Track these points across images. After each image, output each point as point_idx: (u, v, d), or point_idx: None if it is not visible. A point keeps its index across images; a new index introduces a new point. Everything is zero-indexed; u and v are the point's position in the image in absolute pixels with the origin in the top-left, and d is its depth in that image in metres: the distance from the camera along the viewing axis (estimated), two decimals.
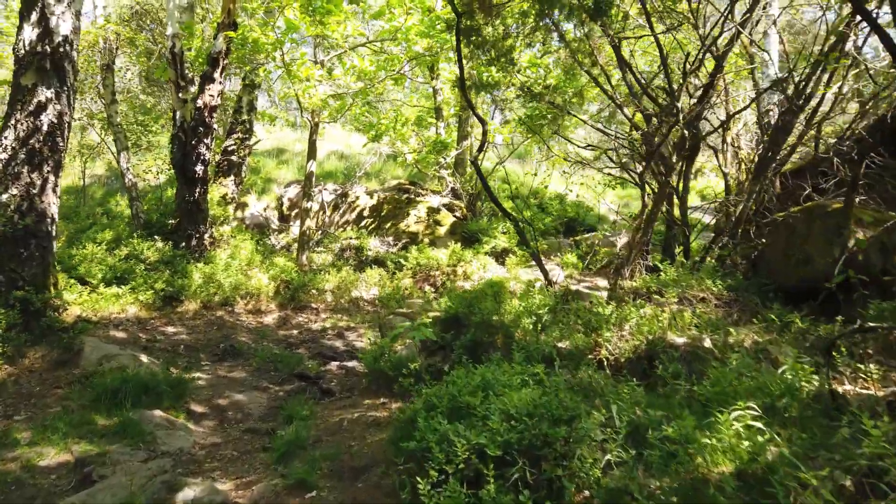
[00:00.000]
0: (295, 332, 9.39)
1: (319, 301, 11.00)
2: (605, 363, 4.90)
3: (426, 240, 13.88)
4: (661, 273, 6.88)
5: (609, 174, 10.55)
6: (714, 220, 10.23)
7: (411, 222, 14.27)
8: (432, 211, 14.49)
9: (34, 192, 7.46)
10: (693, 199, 21.49)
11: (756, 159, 7.62)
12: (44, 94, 7.49)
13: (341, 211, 14.91)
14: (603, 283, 12.54)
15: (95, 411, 5.73)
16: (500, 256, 13.38)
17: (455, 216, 14.57)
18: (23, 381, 6.64)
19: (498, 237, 13.60)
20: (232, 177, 12.14)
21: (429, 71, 16.16)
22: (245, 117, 12.61)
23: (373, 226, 14.83)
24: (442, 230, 14.10)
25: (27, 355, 6.99)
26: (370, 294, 12.03)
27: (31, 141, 7.43)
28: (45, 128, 7.51)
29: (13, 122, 7.41)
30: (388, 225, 14.57)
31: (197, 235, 10.69)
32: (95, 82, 11.50)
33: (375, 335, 9.13)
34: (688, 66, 7.03)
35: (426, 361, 5.87)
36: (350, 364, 7.89)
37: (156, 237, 10.74)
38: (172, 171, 10.85)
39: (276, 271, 11.06)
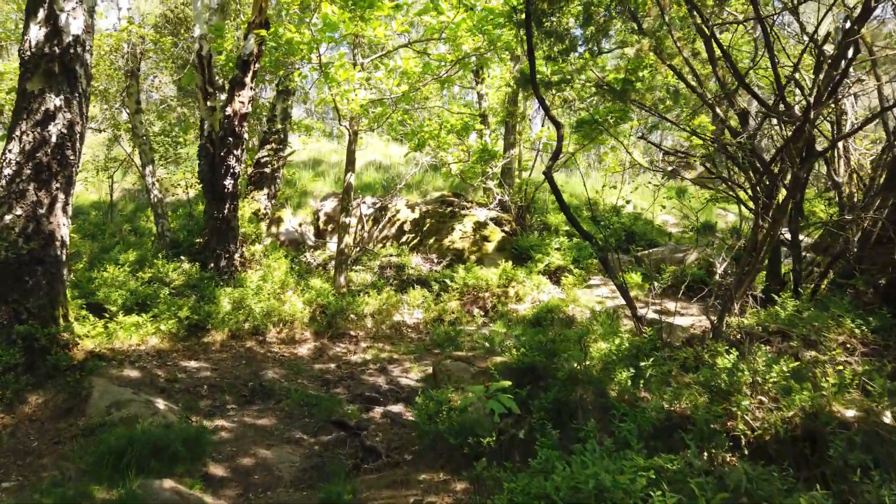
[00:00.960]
0: (332, 365, 8.34)
1: (359, 327, 9.95)
2: (743, 441, 3.67)
3: (472, 257, 12.76)
4: (779, 306, 5.61)
5: (707, 186, 9.14)
6: (817, 240, 8.88)
7: (456, 238, 13.18)
8: (479, 225, 13.37)
9: (41, 212, 6.59)
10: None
11: (886, 166, 6.29)
12: (52, 101, 6.63)
13: (381, 225, 13.91)
14: (672, 305, 11.23)
15: (95, 479, 4.73)
16: (553, 275, 12.17)
17: (504, 231, 13.42)
18: (21, 432, 5.71)
19: (552, 254, 12.39)
20: (265, 190, 11.24)
21: (473, 75, 15.11)
22: (279, 126, 11.73)
23: (414, 241, 13.78)
24: (490, 246, 12.97)
25: (28, 401, 6.07)
26: (413, 318, 10.95)
27: (38, 154, 6.57)
28: (53, 139, 6.64)
29: (18, 133, 6.56)
30: (431, 240, 13.51)
31: (226, 255, 9.78)
32: (120, 89, 10.78)
33: (424, 370, 8.04)
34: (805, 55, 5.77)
35: (497, 423, 4.71)
36: (396, 409, 6.79)
37: (182, 258, 9.87)
38: (202, 186, 10.00)
39: (311, 295, 10.07)
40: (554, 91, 7.55)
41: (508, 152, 14.44)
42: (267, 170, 11.33)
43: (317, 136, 25.96)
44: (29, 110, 6.58)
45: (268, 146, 11.46)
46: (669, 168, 8.69)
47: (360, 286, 12.09)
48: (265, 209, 11.25)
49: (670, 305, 11.29)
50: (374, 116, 10.19)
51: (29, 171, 6.53)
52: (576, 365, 4.89)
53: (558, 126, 6.90)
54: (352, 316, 10.15)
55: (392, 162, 21.29)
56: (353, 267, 12.80)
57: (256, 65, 9.14)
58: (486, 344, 8.76)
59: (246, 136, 9.42)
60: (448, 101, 27.85)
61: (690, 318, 9.52)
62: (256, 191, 11.21)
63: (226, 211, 9.51)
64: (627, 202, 15.17)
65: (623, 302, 10.88)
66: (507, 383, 3.52)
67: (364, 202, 14.62)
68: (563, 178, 19.67)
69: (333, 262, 13.34)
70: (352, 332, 9.71)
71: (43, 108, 6.60)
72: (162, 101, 14.78)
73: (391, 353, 9.00)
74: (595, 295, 11.24)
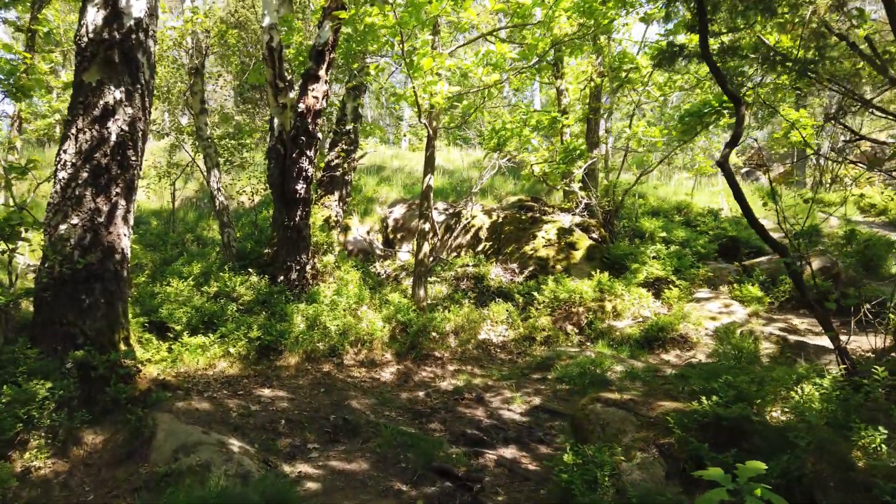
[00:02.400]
0: (421, 394, 7.27)
1: (442, 348, 8.87)
2: None
3: (558, 266, 11.54)
4: None
5: None
6: None
7: (539, 245, 11.98)
8: (563, 232, 12.14)
9: (100, 220, 5.75)
10: (850, 212, 18.04)
11: None
12: (112, 94, 5.80)
13: (454, 233, 12.85)
14: (801, 323, 9.75)
15: None
16: (651, 286, 10.83)
17: (591, 238, 12.15)
18: (74, 481, 4.83)
19: (649, 263, 11.06)
20: (336, 195, 10.33)
21: (553, 69, 13.92)
22: (349, 126, 10.82)
23: (491, 250, 12.65)
24: (577, 255, 11.72)
25: (84, 441, 5.20)
26: (499, 336, 9.82)
27: (97, 155, 5.75)
28: (113, 138, 5.80)
29: (74, 130, 5.75)
30: (510, 248, 12.35)
31: (297, 267, 8.87)
32: (183, 90, 10.06)
33: (527, 401, 6.86)
34: None
35: (673, 491, 3.50)
36: (509, 454, 5.66)
37: (250, 270, 9.00)
38: (269, 191, 9.09)
39: (389, 310, 9.05)
40: (736, 60, 6.26)
41: (592, 152, 13.18)
42: (337, 173, 10.42)
43: (374, 143, 25.19)
44: (86, 105, 5.76)
45: (337, 148, 10.56)
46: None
47: (435, 299, 11.05)
48: (336, 216, 10.33)
49: (796, 322, 9.82)
50: (463, 108, 9.12)
51: (86, 175, 5.71)
52: (791, 418, 3.64)
53: (738, 102, 5.65)
54: (434, 334, 9.07)
55: (455, 167, 20.26)
56: (427, 278, 11.76)
57: (332, 54, 8.21)
58: (594, 369, 7.56)
59: (319, 135, 8.50)
60: (509, 101, 26.71)
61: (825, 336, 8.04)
62: (327, 196, 10.31)
63: (297, 218, 8.60)
64: (721, 206, 13.72)
65: (741, 319, 9.50)
66: (762, 466, 2.31)
67: (435, 208, 13.59)
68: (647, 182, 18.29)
69: (405, 273, 12.36)
70: (436, 354, 8.63)
71: (101, 103, 5.77)
72: (221, 107, 14.14)
73: (484, 378, 7.88)
74: (706, 310, 9.87)
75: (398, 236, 13.45)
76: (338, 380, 7.36)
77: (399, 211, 13.92)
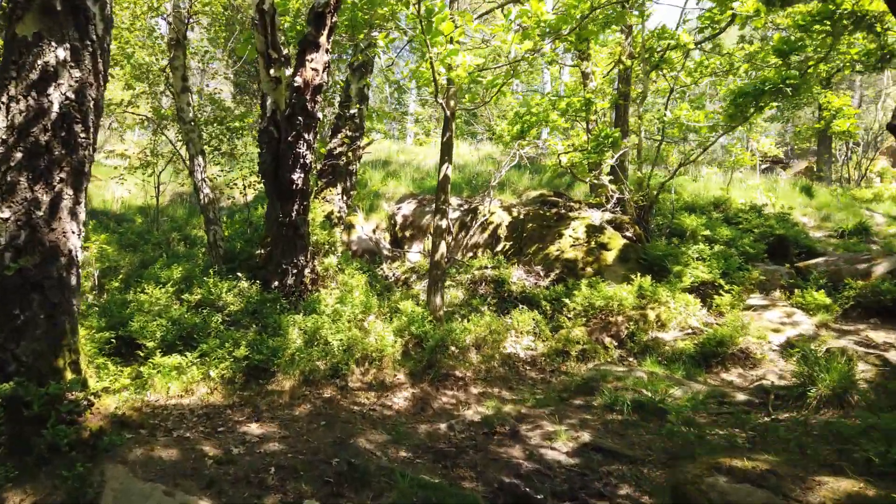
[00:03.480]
0: (442, 425, 5.98)
1: (464, 365, 7.59)
2: None
3: (588, 269, 10.26)
4: None
5: None
6: None
7: (565, 245, 10.70)
8: (593, 230, 10.85)
9: (38, 214, 4.49)
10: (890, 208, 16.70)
11: None
12: (53, 52, 4.53)
13: (470, 231, 11.56)
14: (878, 335, 8.46)
15: None
16: (696, 292, 9.54)
17: (625, 236, 10.85)
18: None
19: (693, 265, 9.76)
20: (338, 188, 9.03)
21: (577, 51, 12.62)
22: (354, 110, 9.54)
23: (511, 250, 11.37)
24: (609, 256, 10.43)
25: (8, 501, 3.93)
26: (526, 349, 8.54)
27: (34, 131, 4.48)
28: (55, 109, 4.54)
29: (5, 99, 4.47)
30: (533, 249, 11.07)
31: (294, 271, 7.60)
32: (165, 66, 8.76)
33: (574, 437, 5.57)
34: None
35: None
36: None
37: (239, 274, 7.73)
38: (262, 183, 7.81)
39: (401, 321, 7.78)
40: None
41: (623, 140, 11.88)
42: (340, 163, 9.14)
43: (380, 139, 23.89)
44: (20, 66, 4.49)
45: (341, 134, 9.28)
46: None
47: (451, 306, 9.78)
48: (339, 212, 9.05)
49: (871, 334, 8.52)
50: (488, 84, 7.82)
51: (20, 156, 4.44)
52: None
53: None
54: (452, 349, 7.80)
55: (465, 161, 18.99)
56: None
57: (334, 18, 6.93)
58: (648, 394, 6.28)
59: (320, 115, 7.21)
60: (521, 91, 25.38)
61: None
62: (329, 189, 9.02)
63: (293, 213, 7.33)
64: (768, 201, 12.40)
65: (807, 330, 8.19)
66: None
67: (449, 204, 12.30)
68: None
69: (415, 276, 11.09)
70: (457, 373, 7.34)
71: (40, 63, 4.50)
72: (210, 93, 12.87)
73: (516, 404, 6.58)
74: (765, 320, 8.58)
75: (407, 235, 12.16)
76: (341, 408, 6.07)
77: (408, 207, 12.63)
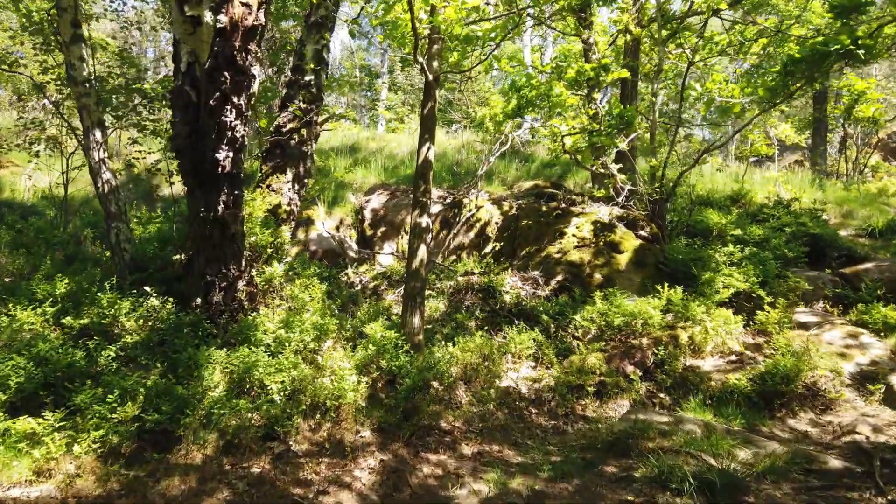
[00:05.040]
0: None
1: (451, 412, 5.70)
2: None
3: (597, 275, 8.45)
4: None
5: None
6: None
7: (568, 246, 8.87)
8: (602, 228, 9.04)
9: None
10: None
11: None
12: None
13: (453, 229, 9.64)
14: None
15: None
16: (730, 304, 7.79)
17: (639, 236, 9.07)
18: None
19: (725, 271, 8.00)
20: (289, 175, 7.00)
21: (576, 20, 10.76)
22: (310, 77, 7.52)
23: (503, 252, 9.51)
24: (622, 259, 8.63)
25: None
26: (528, 382, 6.68)
27: None
28: None
29: None
30: (529, 250, 9.23)
31: (222, 284, 5.62)
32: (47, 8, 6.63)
33: None
34: None
35: None
36: None
37: (147, 288, 5.71)
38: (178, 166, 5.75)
39: (367, 352, 5.84)
40: None
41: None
42: (292, 142, 7.12)
43: (348, 125, 21.79)
44: None
45: (293, 106, 7.26)
46: None
47: (430, 321, 7.89)
48: (290, 204, 7.02)
49: None
50: (484, 35, 5.91)
51: None
52: None
53: None
54: (435, 386, 5.91)
55: (444, 149, 17.02)
56: None
57: None
58: (712, 461, 4.49)
59: (256, 70, 5.21)
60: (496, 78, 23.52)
61: None
62: (276, 175, 6.98)
63: (220, 206, 5.33)
64: (793, 196, 10.79)
65: (882, 357, 6.48)
66: None
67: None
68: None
69: (387, 283, 9.15)
70: (442, 424, 5.44)
71: None
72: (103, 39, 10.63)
73: (526, 475, 4.68)
74: (825, 343, 6.84)
75: (377, 233, 10.19)
76: (275, 494, 4.12)
77: (378, 199, 10.66)
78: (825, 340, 6.89)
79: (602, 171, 9.46)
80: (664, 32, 9.69)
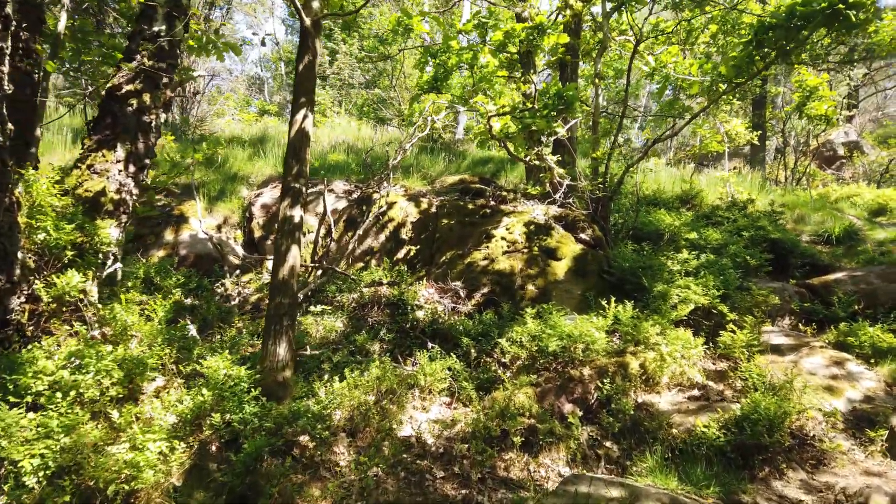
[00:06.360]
0: None
1: (317, 488, 4.00)
2: None
3: (530, 287, 6.94)
4: None
5: None
6: None
7: (497, 251, 7.34)
8: (536, 230, 7.55)
9: None
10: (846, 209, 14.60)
11: None
12: None
13: (360, 230, 7.95)
14: None
15: None
16: (688, 322, 6.41)
17: (580, 239, 7.63)
18: None
19: (680, 282, 6.62)
20: (120, 153, 5.16)
21: None
22: (160, 26, 5.72)
23: (419, 258, 7.91)
24: (560, 267, 7.16)
25: None
26: (437, 428, 5.06)
27: None
28: None
29: None
30: (450, 256, 7.65)
31: None
32: None
33: None
34: None
35: None
36: None
37: None
38: None
39: (200, 398, 4.08)
40: None
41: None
42: (130, 108, 5.30)
43: (266, 118, 19.81)
44: None
45: (132, 63, 5.44)
46: None
47: (321, 346, 6.20)
48: (121, 191, 5.16)
49: None
50: None
51: None
52: None
53: None
54: (303, 442, 4.22)
55: (366, 146, 15.34)
56: (309, 306, 6.85)
57: None
58: None
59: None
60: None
61: None
62: (101, 152, 5.11)
63: None
64: (744, 194, 9.65)
65: (874, 390, 5.18)
66: None
67: (331, 190, 8.64)
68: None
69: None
70: None
71: None
72: None
73: None
74: (807, 370, 5.53)
75: (269, 234, 8.37)
76: None
77: (272, 194, 8.84)
78: (806, 370, 5.56)
79: (537, 163, 7.99)
80: (609, 5, 8.33)
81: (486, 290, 7.05)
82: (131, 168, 5.37)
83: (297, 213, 4.81)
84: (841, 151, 25.10)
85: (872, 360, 5.67)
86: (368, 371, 5.41)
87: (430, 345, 6.27)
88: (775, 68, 18.52)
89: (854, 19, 5.26)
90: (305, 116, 4.87)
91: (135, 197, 5.46)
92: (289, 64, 29.84)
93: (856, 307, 6.77)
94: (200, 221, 8.08)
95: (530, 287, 6.98)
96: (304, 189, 4.90)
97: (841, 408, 5.00)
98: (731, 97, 10.01)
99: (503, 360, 5.99)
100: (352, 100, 25.16)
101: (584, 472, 4.55)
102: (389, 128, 21.68)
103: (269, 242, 8.22)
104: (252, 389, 4.20)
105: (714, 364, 6.09)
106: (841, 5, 5.23)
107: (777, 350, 5.97)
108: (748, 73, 6.50)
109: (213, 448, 3.90)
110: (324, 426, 4.50)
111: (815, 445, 4.55)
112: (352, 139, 15.20)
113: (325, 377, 5.36)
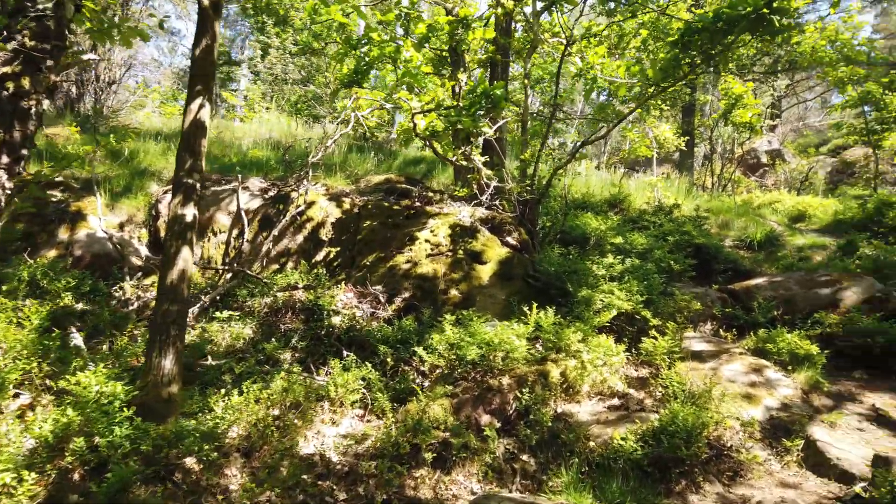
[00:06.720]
0: None
1: None
2: None
3: (453, 292, 6.69)
4: None
5: None
6: None
7: (420, 255, 7.05)
8: (462, 232, 7.31)
9: None
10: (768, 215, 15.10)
11: None
12: None
13: (276, 229, 7.50)
14: (882, 399, 5.59)
15: None
16: (611, 328, 6.30)
17: (506, 243, 7.43)
18: None
19: (605, 287, 6.50)
20: None
21: None
22: (45, 4, 5.15)
23: (340, 260, 7.53)
24: (484, 272, 6.94)
25: None
26: (344, 443, 4.72)
27: None
28: None
29: None
30: (372, 259, 7.30)
31: None
32: None
33: None
34: None
35: None
36: None
37: None
38: None
39: (64, 422, 3.59)
40: None
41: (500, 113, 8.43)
42: (5, 92, 4.72)
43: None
44: None
45: (10, 44, 4.85)
46: None
47: (225, 355, 5.77)
48: None
49: (873, 398, 5.70)
50: None
51: None
52: None
53: None
54: (189, 464, 3.80)
55: (297, 143, 14.79)
56: (215, 310, 6.37)
57: None
58: None
59: None
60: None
61: None
62: None
63: None
64: (670, 200, 9.71)
65: (792, 397, 5.15)
66: None
67: (245, 187, 8.14)
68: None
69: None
70: None
71: None
72: None
73: None
74: (725, 380, 5.47)
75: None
76: None
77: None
78: (725, 377, 5.50)
79: (465, 163, 7.74)
80: (540, 4, 8.18)
81: (407, 294, 6.74)
82: (4, 158, 4.79)
83: (189, 211, 4.37)
84: (764, 159, 26.11)
85: (790, 367, 5.67)
86: (274, 383, 5.02)
87: (345, 353, 5.91)
88: (704, 76, 19.02)
89: (778, 24, 5.24)
90: (202, 106, 4.44)
91: (9, 191, 4.88)
92: (219, 56, 28.79)
93: (775, 313, 6.83)
94: (100, 219, 7.45)
95: (454, 292, 6.71)
96: (197, 185, 4.45)
97: (759, 416, 4.94)
98: (658, 102, 10.07)
99: (422, 368, 5.70)
100: (285, 96, 24.38)
101: (498, 489, 4.31)
102: (328, 125, 21.09)
103: None
104: (125, 409, 3.74)
105: (636, 370, 5.99)
106: (766, 10, 5.19)
107: (698, 357, 5.90)
108: (675, 76, 6.44)
109: (77, 476, 3.44)
110: (213, 446, 4.08)
111: (732, 456, 4.45)
112: (280, 136, 14.62)
113: (225, 390, 4.93)
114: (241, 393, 4.79)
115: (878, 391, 5.62)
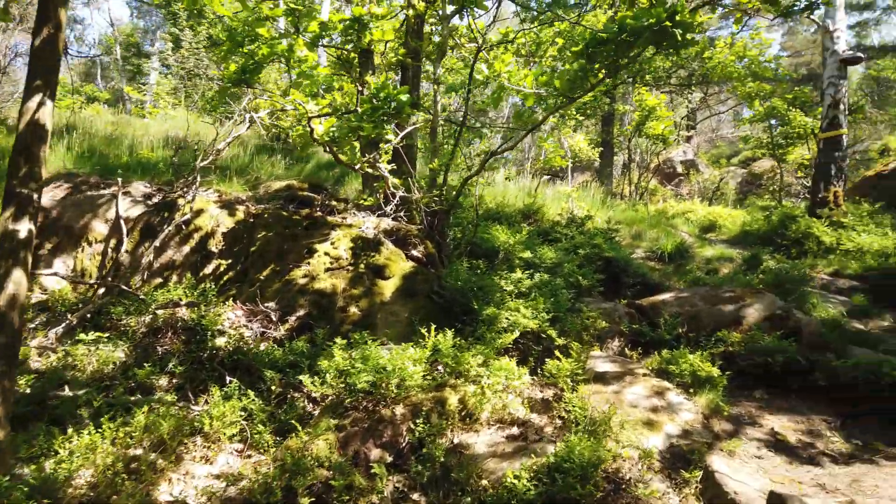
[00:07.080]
0: None
1: None
2: None
3: (353, 309, 6.27)
4: None
5: None
6: None
7: (319, 268, 6.58)
8: (364, 245, 6.89)
9: None
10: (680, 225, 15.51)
11: None
12: None
13: (159, 240, 6.83)
14: (780, 423, 5.56)
15: None
16: (515, 347, 6.06)
17: (411, 256, 7.06)
18: None
19: (510, 304, 6.26)
20: None
21: None
22: None
23: (231, 274, 6.94)
24: (387, 288, 6.55)
25: None
26: (211, 486, 4.20)
27: None
28: None
29: None
30: (267, 273, 6.76)
31: None
32: None
33: None
34: None
35: None
36: None
37: None
38: None
39: None
40: None
41: (411, 118, 8.07)
42: None
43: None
44: None
45: None
46: None
47: (90, 379, 5.16)
48: None
49: (772, 421, 5.66)
50: None
51: None
52: None
53: None
54: None
55: (197, 144, 13.89)
56: (82, 332, 5.68)
57: None
58: None
59: None
60: None
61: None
62: None
63: None
64: (584, 212, 9.63)
65: (693, 423, 5.02)
66: None
67: (126, 192, 7.40)
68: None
69: (45, 318, 6.17)
70: None
71: None
72: None
73: None
74: (627, 404, 5.30)
75: (45, 242, 7.00)
76: None
77: (54, 195, 7.43)
78: (628, 401, 5.32)
79: (370, 171, 7.33)
80: (451, 8, 7.87)
81: (302, 312, 6.27)
82: None
83: (23, 227, 3.75)
84: (680, 169, 26.99)
85: (692, 390, 5.56)
86: (136, 417, 4.45)
87: (228, 379, 5.39)
88: (624, 87, 19.35)
89: (680, 38, 5.11)
90: (41, 104, 3.83)
91: None
92: (129, 48, 27.05)
93: (680, 330, 6.76)
94: None
95: (353, 309, 6.29)
96: (34, 196, 3.83)
97: (659, 445, 4.77)
98: (573, 112, 10.01)
99: (314, 395, 5.25)
100: (198, 91, 23.16)
101: None
102: (224, 126, 20.08)
103: (44, 251, 6.85)
104: None
105: (542, 391, 5.73)
106: (668, 23, 5.05)
107: (602, 379, 5.71)
108: (582, 87, 6.25)
109: None
110: (49, 501, 3.50)
111: (630, 492, 4.23)
112: (185, 134, 13.70)
113: (77, 428, 4.32)
114: (97, 429, 4.21)
115: (777, 412, 5.60)
